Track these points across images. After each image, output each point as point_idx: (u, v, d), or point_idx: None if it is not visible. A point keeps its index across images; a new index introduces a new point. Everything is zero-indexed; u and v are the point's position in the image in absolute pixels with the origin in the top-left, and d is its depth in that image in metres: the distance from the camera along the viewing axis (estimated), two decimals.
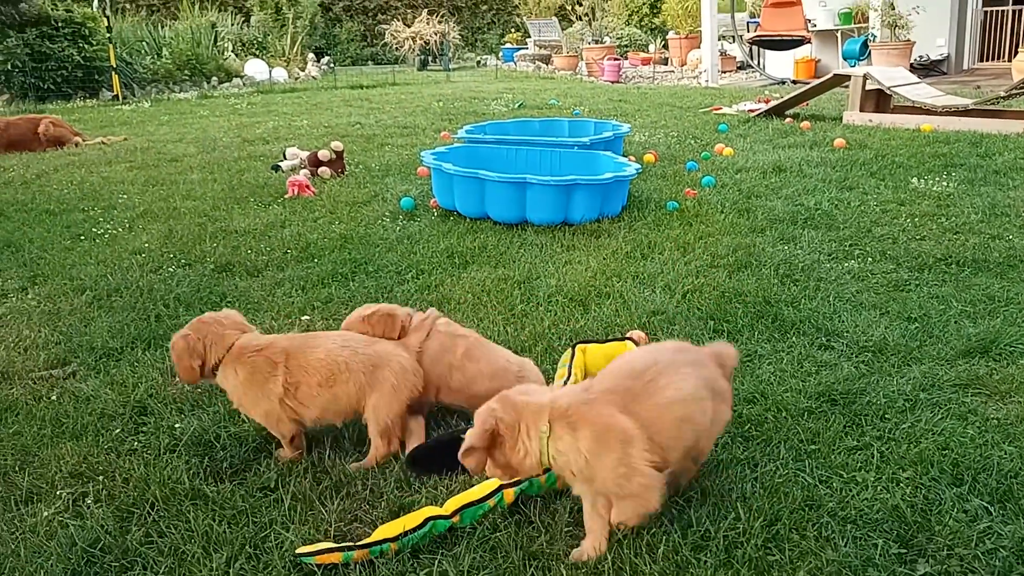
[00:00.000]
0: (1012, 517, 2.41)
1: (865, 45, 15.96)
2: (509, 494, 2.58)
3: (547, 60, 24.66)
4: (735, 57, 20.37)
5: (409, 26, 26.58)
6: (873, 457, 2.74)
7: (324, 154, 7.88)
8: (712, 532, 2.37)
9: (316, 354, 2.89)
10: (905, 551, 2.29)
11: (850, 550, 2.28)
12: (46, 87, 15.70)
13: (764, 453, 2.78)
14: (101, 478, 2.81)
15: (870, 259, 4.86)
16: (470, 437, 2.28)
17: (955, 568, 2.21)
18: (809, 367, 3.44)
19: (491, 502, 2.54)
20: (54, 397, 3.39)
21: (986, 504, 2.46)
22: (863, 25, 16.90)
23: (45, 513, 2.61)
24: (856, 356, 3.54)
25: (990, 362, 3.43)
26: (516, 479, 2.58)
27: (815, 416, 3.03)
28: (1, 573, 2.32)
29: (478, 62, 27.95)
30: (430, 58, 26.11)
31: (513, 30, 30.01)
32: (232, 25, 23.21)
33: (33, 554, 2.41)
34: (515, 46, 27.61)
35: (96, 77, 16.56)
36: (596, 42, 23.40)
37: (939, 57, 16.51)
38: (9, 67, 15.25)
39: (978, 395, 3.16)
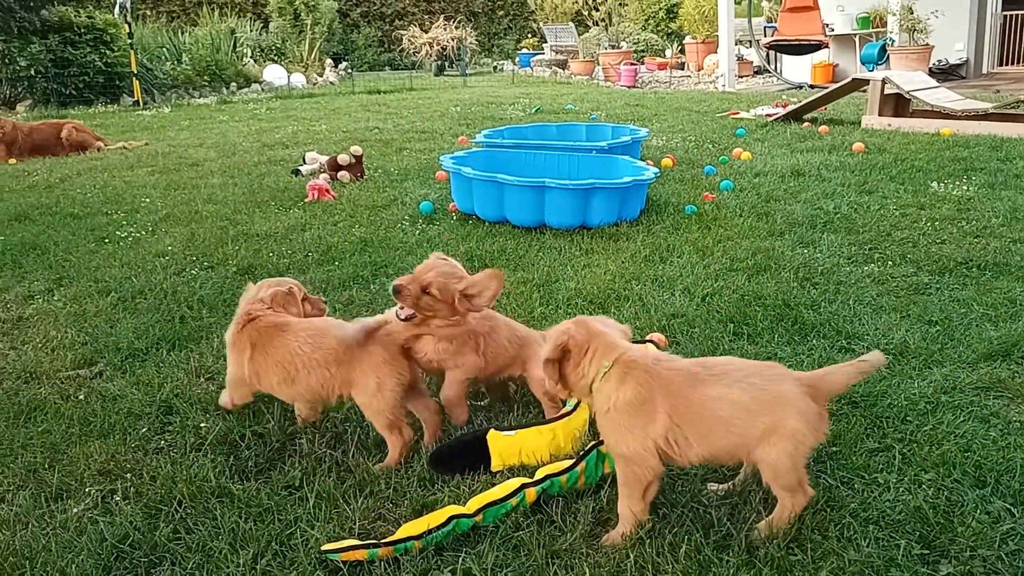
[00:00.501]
0: None
1: (883, 50, 15.90)
2: (531, 493, 2.61)
3: (564, 65, 24.70)
4: (752, 62, 20.33)
5: (426, 32, 26.70)
6: (895, 459, 2.74)
7: (343, 158, 7.94)
8: (734, 532, 2.39)
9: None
10: (927, 552, 2.30)
11: (872, 550, 2.29)
12: (68, 93, 15.88)
13: None
14: (129, 476, 2.85)
15: (890, 263, 4.85)
16: (544, 351, 2.49)
17: (978, 569, 2.22)
18: None
19: (513, 501, 2.57)
20: (82, 396, 3.44)
21: (1008, 506, 2.47)
22: (881, 30, 16.84)
23: (75, 510, 2.66)
24: None
25: (1012, 365, 3.42)
26: (537, 480, 2.61)
27: (836, 418, 3.03)
28: (34, 567, 2.36)
29: (495, 67, 28.01)
30: (447, 63, 26.21)
31: (530, 35, 30.08)
32: (251, 31, 23.38)
33: (64, 549, 2.45)
34: (532, 51, 27.68)
35: (117, 83, 16.75)
36: (613, 47, 23.42)
37: (958, 61, 16.43)
38: (32, 73, 15.44)
39: (1000, 398, 3.16)
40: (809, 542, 2.34)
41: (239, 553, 2.42)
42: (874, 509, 2.48)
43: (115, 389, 3.50)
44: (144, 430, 3.16)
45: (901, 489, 2.57)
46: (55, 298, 4.70)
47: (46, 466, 2.92)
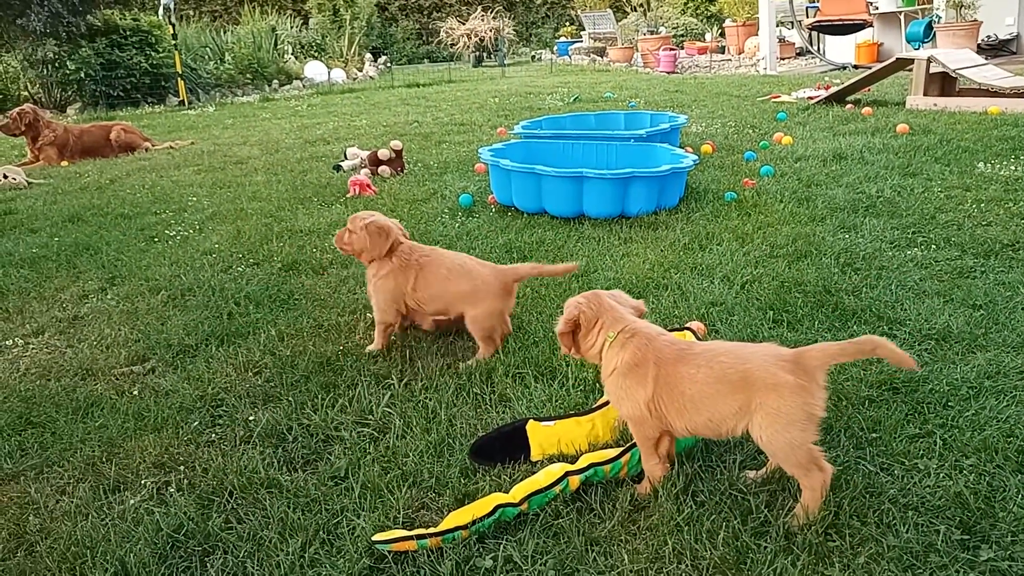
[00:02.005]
0: None
1: (929, 27, 15.53)
2: (574, 481, 2.65)
3: (602, 53, 24.58)
4: (794, 43, 20.02)
5: (463, 23, 26.75)
6: (935, 445, 2.73)
7: (384, 153, 8.03)
8: (771, 519, 2.41)
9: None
10: (968, 537, 2.29)
11: (911, 536, 2.29)
12: (116, 94, 16.26)
13: (824, 442, 2.77)
14: (182, 468, 2.96)
15: (934, 246, 4.78)
16: (559, 324, 2.75)
17: (1019, 554, 2.21)
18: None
19: (557, 489, 2.61)
20: (136, 392, 3.56)
21: None
22: (927, 6, 16.45)
23: (132, 501, 2.77)
24: (919, 344, 3.52)
25: None
26: (581, 468, 2.66)
27: (876, 405, 3.02)
28: (94, 556, 2.46)
29: (533, 57, 27.97)
30: (485, 54, 26.24)
31: (567, 23, 29.98)
32: (291, 28, 23.67)
33: (122, 539, 2.55)
34: (569, 39, 27.58)
35: (163, 83, 17.11)
36: (651, 33, 23.24)
37: (1008, 37, 15.98)
38: (82, 76, 15.83)
39: None
40: (847, 528, 2.35)
41: (288, 542, 2.50)
42: (914, 495, 2.48)
43: (167, 384, 3.62)
44: (195, 424, 3.27)
45: (941, 475, 2.56)
46: (108, 297, 4.85)
47: (103, 459, 3.04)
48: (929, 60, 9.69)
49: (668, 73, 19.02)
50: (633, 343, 2.62)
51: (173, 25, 16.80)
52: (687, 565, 2.27)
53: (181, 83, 16.74)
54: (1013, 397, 2.99)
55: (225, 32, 21.31)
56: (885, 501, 2.45)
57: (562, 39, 28.08)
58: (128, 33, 16.34)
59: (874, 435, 2.82)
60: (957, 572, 2.16)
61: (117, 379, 3.73)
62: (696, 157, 6.42)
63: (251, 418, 3.27)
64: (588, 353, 2.76)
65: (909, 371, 3.20)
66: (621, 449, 2.75)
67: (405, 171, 8.13)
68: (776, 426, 2.34)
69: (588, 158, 7.04)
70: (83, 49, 15.67)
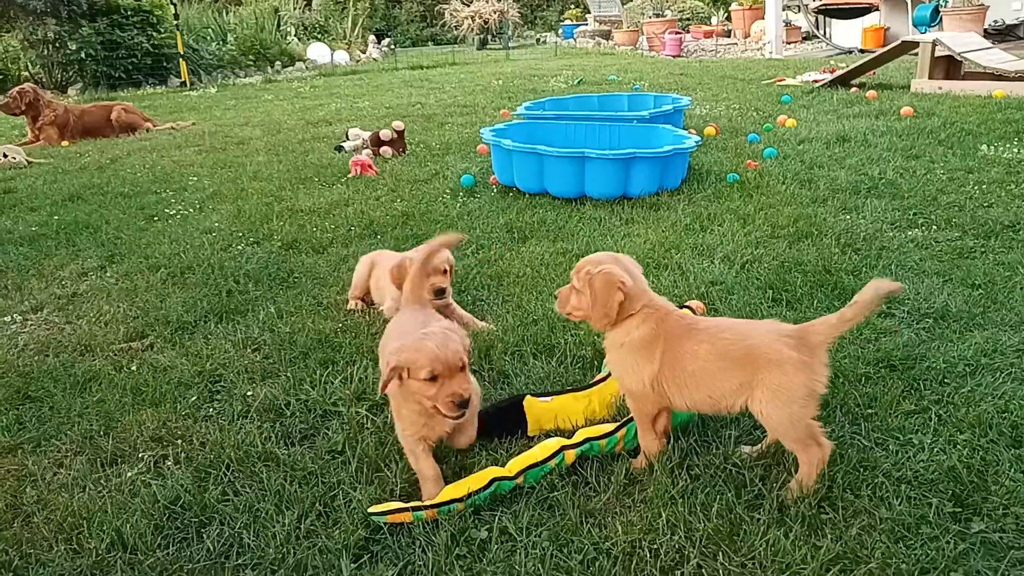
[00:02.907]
0: None
1: (936, 11, 15.43)
2: (570, 455, 2.66)
3: (607, 36, 24.46)
4: (800, 27, 19.91)
5: (468, 5, 26.62)
6: (931, 420, 2.73)
7: (386, 134, 8.02)
8: (765, 492, 2.41)
9: None
10: (960, 510, 2.30)
11: (904, 509, 2.30)
12: (117, 75, 16.23)
13: (820, 417, 2.75)
14: (179, 441, 2.97)
15: (935, 227, 4.77)
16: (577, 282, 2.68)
17: (1010, 526, 2.22)
18: (869, 334, 3.42)
19: (553, 463, 2.62)
20: (134, 368, 3.57)
21: None
22: None
23: (129, 474, 2.78)
24: (917, 323, 3.51)
25: None
26: (576, 442, 2.66)
27: (873, 381, 3.02)
28: (91, 527, 2.48)
29: (537, 40, 27.87)
30: (489, 37, 26.13)
31: (573, 6, 29.83)
32: (294, 10, 23.61)
33: (119, 510, 2.57)
34: (575, 22, 27.46)
35: (164, 64, 17.07)
36: (657, 16, 23.12)
37: (1015, 21, 15.88)
38: (83, 56, 15.79)
39: None
40: (840, 501, 2.35)
41: (284, 514, 2.51)
42: (908, 469, 2.48)
43: (165, 360, 3.62)
44: (193, 399, 3.28)
45: (936, 450, 2.56)
46: (107, 274, 4.86)
47: (101, 433, 3.05)
48: (934, 44, 9.63)
49: (673, 57, 18.93)
50: (650, 321, 2.57)
51: (175, 5, 16.75)
52: (680, 536, 2.28)
53: (183, 64, 16.70)
54: (1009, 374, 2.99)
55: (228, 13, 21.25)
56: (879, 475, 2.45)
57: (567, 22, 27.96)
58: (129, 13, 16.28)
59: (870, 411, 2.82)
60: (948, 543, 2.16)
61: (116, 355, 3.73)
62: (699, 138, 6.39)
63: (249, 393, 3.28)
64: (588, 315, 2.66)
65: (907, 347, 3.21)
66: (617, 424, 2.76)
67: (407, 152, 8.12)
68: (777, 402, 2.34)
69: (591, 139, 7.01)
70: (84, 29, 15.61)
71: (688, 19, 23.90)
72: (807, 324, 2.42)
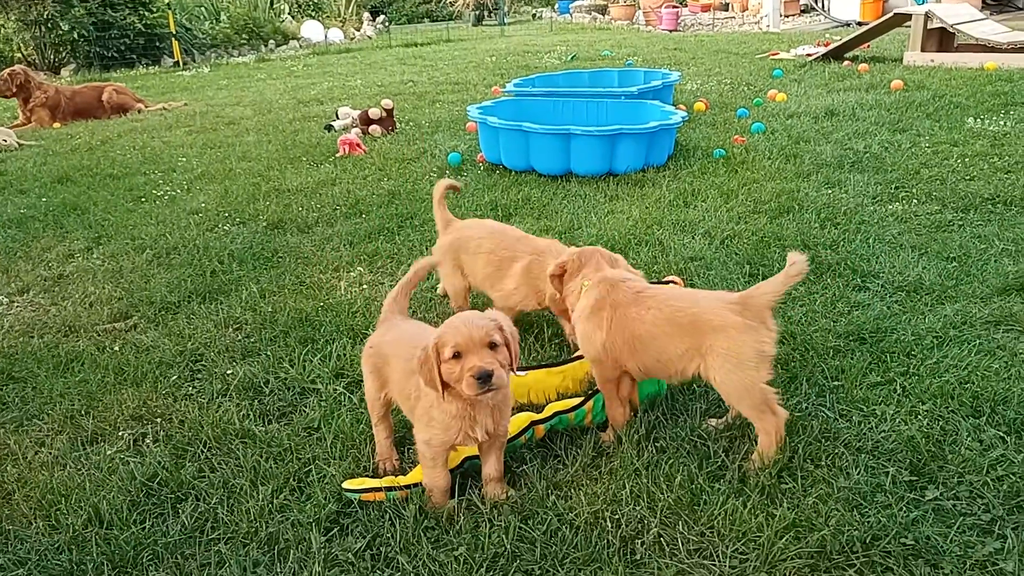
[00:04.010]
0: None
1: None
2: (540, 430, 2.70)
3: (603, 10, 24.29)
4: (799, 0, 19.76)
5: None
6: (895, 392, 2.78)
7: (375, 112, 8.01)
8: (728, 464, 2.46)
9: None
10: (916, 478, 2.34)
11: (861, 478, 2.35)
12: (110, 55, 16.18)
13: (787, 390, 2.83)
14: (159, 420, 3.02)
15: (915, 201, 4.79)
16: (550, 267, 2.98)
17: (963, 493, 2.27)
18: (842, 307, 3.45)
19: (523, 438, 2.66)
20: (117, 348, 3.62)
21: (1002, 434, 2.50)
22: None
23: (108, 452, 2.83)
24: (890, 296, 3.55)
25: None
26: (546, 417, 2.71)
27: (842, 354, 3.06)
28: (68, 503, 2.53)
29: (533, 15, 27.68)
30: (485, 13, 25.96)
31: None
32: None
33: (97, 487, 2.62)
34: None
35: (157, 44, 17.00)
36: None
37: None
38: (75, 36, 15.72)
39: (1010, 331, 3.15)
40: (800, 471, 2.40)
41: (259, 489, 2.56)
42: (868, 439, 2.52)
43: (148, 340, 3.67)
44: (174, 378, 3.32)
45: (897, 420, 2.61)
46: (94, 256, 4.89)
47: (83, 412, 3.10)
48: (927, 16, 9.58)
49: (670, 31, 18.82)
50: (596, 290, 2.70)
51: None
52: (643, 507, 2.33)
53: (176, 44, 16.63)
54: (975, 345, 3.03)
55: None
56: (840, 445, 2.50)
57: None
58: None
59: (836, 383, 2.86)
60: (901, 511, 2.21)
61: (99, 335, 3.78)
62: (685, 114, 6.39)
63: (229, 372, 3.33)
64: (568, 298, 2.90)
65: (878, 319, 3.24)
66: (585, 397, 2.80)
67: (396, 130, 8.12)
68: (728, 366, 2.39)
69: (578, 115, 7.01)
70: (76, 9, 15.53)
71: None
72: (750, 289, 2.47)
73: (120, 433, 2.95)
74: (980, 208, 4.56)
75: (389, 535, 2.32)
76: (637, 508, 2.32)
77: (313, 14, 22.92)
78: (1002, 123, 6.35)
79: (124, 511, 2.49)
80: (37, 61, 16.24)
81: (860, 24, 15.96)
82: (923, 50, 9.68)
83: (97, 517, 2.47)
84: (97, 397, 3.20)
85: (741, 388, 2.39)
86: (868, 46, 11.45)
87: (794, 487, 2.34)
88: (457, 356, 2.27)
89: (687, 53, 13.25)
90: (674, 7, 20.11)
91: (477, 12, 26.07)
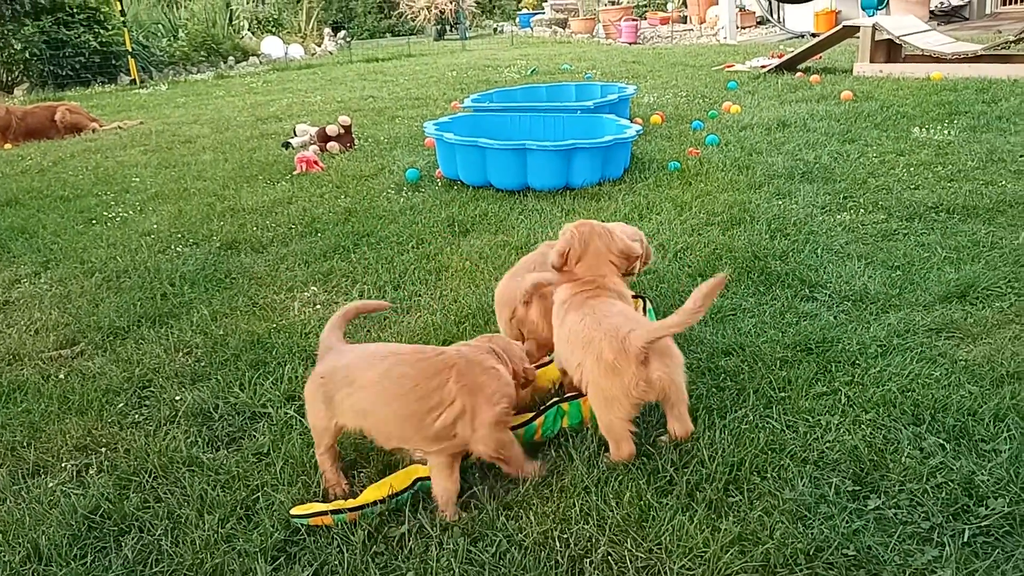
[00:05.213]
0: (964, 453, 2.48)
1: None
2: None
3: (564, 24, 24.46)
4: (754, 12, 20.05)
5: None
6: (840, 401, 2.81)
7: (332, 129, 7.98)
8: (676, 478, 2.47)
9: None
10: (859, 488, 2.37)
11: (806, 489, 2.37)
12: (65, 74, 15.94)
13: (735, 402, 2.86)
14: (104, 450, 2.96)
15: (863, 210, 4.87)
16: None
17: (904, 502, 2.30)
18: (790, 318, 3.49)
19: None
20: (62, 376, 3.55)
21: (942, 441, 2.54)
22: None
23: (50, 484, 2.76)
24: (837, 306, 3.60)
25: (966, 306, 3.47)
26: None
27: (789, 364, 3.09)
28: (7, 539, 2.47)
29: (495, 29, 27.79)
30: (447, 27, 26.02)
31: None
32: (247, 3, 23.31)
33: (37, 521, 2.56)
34: (532, 11, 27.41)
35: (113, 62, 16.80)
36: (613, 3, 23.14)
37: (960, 3, 16.14)
38: (28, 56, 15.48)
39: (951, 339, 3.21)
40: (747, 483, 2.42)
41: (205, 518, 2.52)
42: (813, 450, 2.55)
43: (95, 367, 3.60)
44: (121, 405, 3.27)
45: (842, 430, 2.64)
46: (41, 281, 4.81)
47: (24, 444, 3.03)
48: (874, 28, 9.77)
49: (630, 44, 18.98)
50: (566, 290, 2.85)
51: (120, 2, 16.46)
52: (592, 525, 2.33)
53: (132, 61, 16.45)
54: (918, 354, 3.08)
55: (178, 8, 20.93)
56: (785, 457, 2.52)
57: (524, 11, 27.90)
58: (75, 10, 15.97)
59: (783, 394, 2.89)
60: (844, 521, 2.24)
61: (44, 363, 3.71)
62: (640, 128, 6.44)
63: (178, 398, 3.28)
64: None
65: (824, 329, 3.29)
66: (535, 413, 2.79)
67: (355, 147, 8.09)
68: (590, 388, 2.62)
69: (535, 130, 7.04)
70: (27, 28, 15.30)
71: (645, 6, 23.93)
72: (645, 327, 2.53)
73: (63, 464, 2.89)
74: (924, 216, 4.64)
75: (337, 562, 2.30)
76: (587, 526, 2.32)
77: (273, 30, 22.80)
78: (946, 132, 6.49)
79: (64, 546, 2.43)
80: None
81: (814, 36, 16.23)
82: (872, 61, 9.86)
83: (36, 553, 2.41)
84: (40, 427, 3.14)
85: (597, 407, 2.59)
86: (820, 57, 11.65)
87: (740, 500, 2.35)
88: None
89: (645, 66, 13.38)
90: (633, 20, 20.29)
91: (439, 27, 26.10)
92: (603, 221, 4.97)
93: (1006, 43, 9.15)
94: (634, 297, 3.41)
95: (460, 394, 2.44)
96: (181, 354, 3.70)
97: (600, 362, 2.48)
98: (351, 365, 2.60)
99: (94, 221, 6.00)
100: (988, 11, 16.49)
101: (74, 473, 2.84)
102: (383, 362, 2.53)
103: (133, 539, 2.46)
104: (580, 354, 2.58)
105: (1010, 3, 16.62)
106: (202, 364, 3.58)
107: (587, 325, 2.60)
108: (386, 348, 2.75)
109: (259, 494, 2.63)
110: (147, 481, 2.75)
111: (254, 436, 2.99)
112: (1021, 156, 5.65)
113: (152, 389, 3.39)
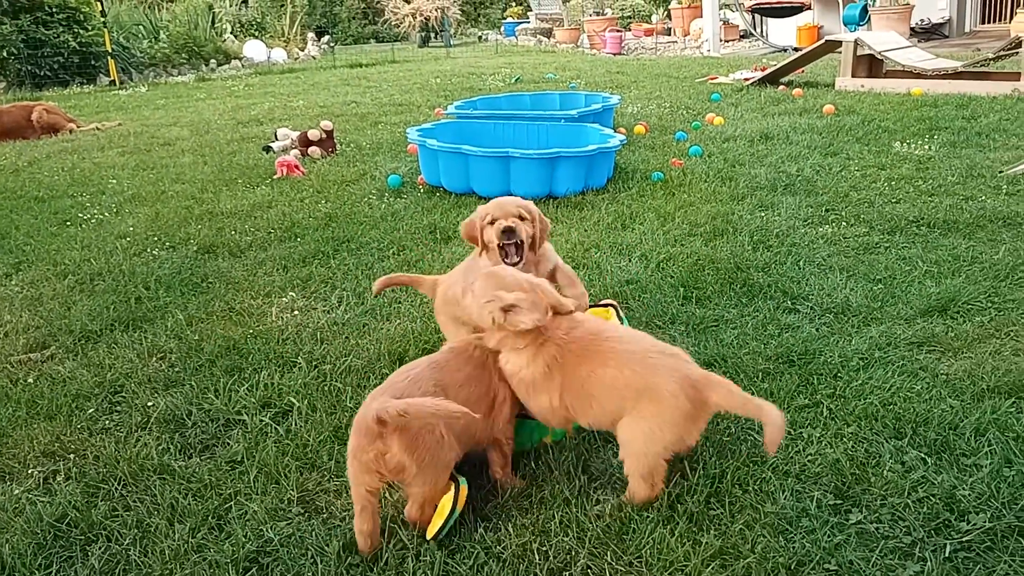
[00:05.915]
0: (946, 467, 2.46)
1: (865, 10, 15.75)
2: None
3: (548, 34, 24.52)
4: (738, 26, 20.18)
5: (409, 2, 26.45)
6: (822, 414, 2.79)
7: (314, 134, 7.92)
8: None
9: None
10: (841, 502, 2.35)
11: (788, 503, 2.34)
12: (43, 74, 15.75)
13: (717, 415, 2.82)
14: (72, 456, 2.88)
15: (844, 223, 4.88)
16: None
17: (886, 516, 2.27)
18: (772, 330, 3.48)
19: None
20: (31, 380, 3.47)
21: (923, 455, 2.52)
22: None
23: (15, 491, 2.69)
24: (819, 318, 3.59)
25: (947, 320, 3.47)
26: None
27: (771, 376, 3.08)
28: None
29: (480, 37, 27.83)
30: (432, 34, 26.01)
31: (515, 4, 29.82)
32: (230, 6, 23.19)
33: (1, 530, 2.48)
34: (517, 20, 27.47)
35: (93, 63, 16.61)
36: (598, 14, 23.23)
37: (940, 20, 16.32)
38: (4, 54, 15.28)
39: (932, 352, 3.21)
40: (728, 496, 2.39)
41: (175, 528, 2.46)
42: (795, 463, 2.53)
43: (65, 371, 3.52)
44: (91, 411, 3.19)
45: (823, 443, 2.62)
46: (12, 283, 4.71)
47: None
48: (856, 43, 9.85)
49: (614, 55, 19.05)
50: None
51: (101, 2, 16.31)
52: (572, 537, 2.29)
53: (112, 62, 16.29)
54: (899, 367, 3.07)
55: (160, 10, 20.79)
56: (767, 470, 2.49)
57: (509, 20, 27.96)
58: (54, 10, 15.77)
59: None
60: (825, 535, 2.21)
61: (13, 367, 3.62)
62: (624, 137, 6.44)
63: (150, 404, 3.21)
64: None
65: (806, 342, 3.27)
66: None
67: (337, 152, 8.03)
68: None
69: (519, 138, 7.02)
70: (5, 26, 15.10)
71: (629, 17, 24.04)
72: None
73: (29, 471, 2.81)
74: (905, 230, 4.66)
75: (311, 574, 2.25)
76: (566, 539, 2.28)
77: (256, 34, 22.69)
78: (927, 147, 6.53)
79: (29, 555, 2.36)
80: None
81: (796, 50, 16.35)
82: (854, 76, 9.94)
83: None
84: (7, 433, 3.06)
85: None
86: (803, 71, 11.72)
87: (721, 513, 2.32)
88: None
89: (629, 76, 13.42)
90: (617, 31, 20.36)
91: (423, 34, 26.08)
92: (586, 230, 5.02)
93: (985, 60, 9.25)
94: (604, 306, 3.38)
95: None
96: (155, 359, 3.63)
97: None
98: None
99: (68, 223, 5.90)
100: (967, 29, 16.67)
101: (41, 480, 2.76)
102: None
103: (100, 548, 2.39)
104: None
105: (989, 22, 16.82)
106: (176, 370, 3.51)
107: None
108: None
109: (232, 503, 2.57)
110: (116, 489, 2.68)
111: (228, 443, 2.93)
112: (1000, 172, 5.70)
113: (124, 395, 3.32)
